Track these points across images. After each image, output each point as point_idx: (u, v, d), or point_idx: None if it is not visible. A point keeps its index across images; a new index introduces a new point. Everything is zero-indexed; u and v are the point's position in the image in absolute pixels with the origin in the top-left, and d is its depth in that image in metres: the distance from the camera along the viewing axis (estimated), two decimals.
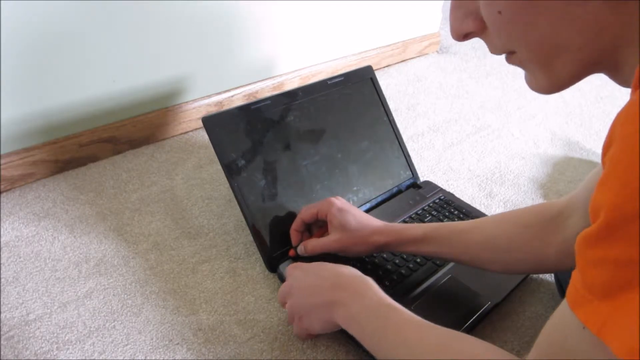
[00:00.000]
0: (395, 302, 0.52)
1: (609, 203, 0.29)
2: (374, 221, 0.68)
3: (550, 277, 0.75)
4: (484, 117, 1.20)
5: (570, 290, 0.33)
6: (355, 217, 0.67)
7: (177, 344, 0.61)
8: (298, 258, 0.70)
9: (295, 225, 0.72)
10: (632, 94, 0.32)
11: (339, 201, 0.68)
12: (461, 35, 0.41)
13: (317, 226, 0.72)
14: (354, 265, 0.60)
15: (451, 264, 0.72)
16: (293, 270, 0.61)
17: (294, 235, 0.72)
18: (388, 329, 0.49)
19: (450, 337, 0.46)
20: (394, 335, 0.49)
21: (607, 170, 0.30)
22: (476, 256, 0.62)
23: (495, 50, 0.41)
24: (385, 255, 0.72)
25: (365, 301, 0.53)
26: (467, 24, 0.40)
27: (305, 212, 0.70)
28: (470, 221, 0.64)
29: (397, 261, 0.71)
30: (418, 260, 0.72)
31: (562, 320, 0.36)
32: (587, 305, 0.31)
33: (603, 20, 0.34)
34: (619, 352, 0.28)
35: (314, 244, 0.68)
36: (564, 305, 0.35)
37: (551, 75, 0.39)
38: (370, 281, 0.55)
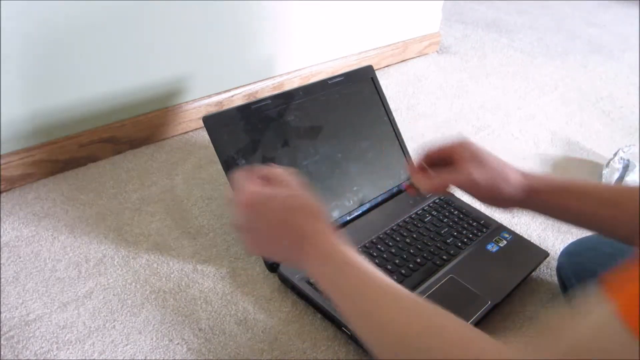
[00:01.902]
0: (357, 256, 0.47)
1: None
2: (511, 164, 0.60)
3: (550, 277, 0.75)
4: (484, 117, 1.20)
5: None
6: (492, 154, 0.60)
7: (177, 344, 0.61)
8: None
9: (418, 160, 0.64)
10: None
11: (470, 141, 0.61)
12: None
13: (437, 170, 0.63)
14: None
15: (451, 264, 0.72)
16: (247, 210, 0.50)
17: (412, 168, 0.64)
18: (354, 292, 0.45)
19: (434, 313, 0.42)
20: (359, 297, 0.44)
21: None
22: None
23: None
24: (385, 256, 0.72)
25: (329, 261, 0.46)
26: None
27: (432, 148, 0.62)
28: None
29: (397, 261, 0.71)
30: (418, 260, 0.72)
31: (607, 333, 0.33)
32: None
33: None
34: None
35: (443, 179, 0.60)
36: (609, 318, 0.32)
37: None
38: (328, 230, 0.48)
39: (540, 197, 0.59)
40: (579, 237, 0.75)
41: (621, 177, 0.96)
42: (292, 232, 0.48)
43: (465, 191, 0.61)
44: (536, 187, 0.58)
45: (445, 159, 0.61)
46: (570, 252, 0.70)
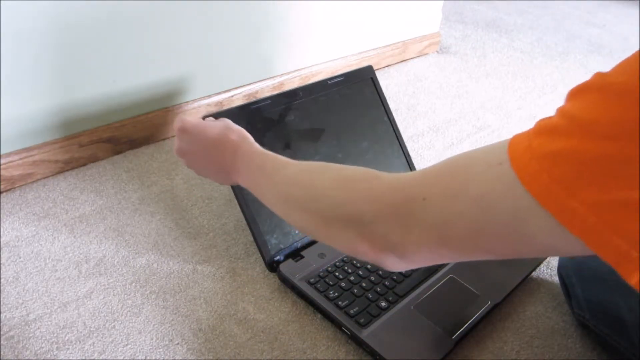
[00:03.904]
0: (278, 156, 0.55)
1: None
2: None
3: (550, 277, 0.75)
4: (484, 117, 1.20)
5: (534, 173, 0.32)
6: None
7: (177, 344, 0.61)
8: None
9: None
10: None
11: None
12: None
13: None
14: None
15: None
16: (184, 135, 0.62)
17: None
18: (268, 181, 0.53)
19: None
20: (275, 180, 0.52)
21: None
22: None
23: None
24: None
25: (251, 167, 0.56)
26: None
27: None
28: None
29: None
30: None
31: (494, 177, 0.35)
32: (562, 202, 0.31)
33: None
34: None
35: None
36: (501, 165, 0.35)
37: None
38: (247, 141, 0.58)
39: None
40: None
41: None
42: (226, 149, 0.58)
43: None
44: None
45: None
46: None
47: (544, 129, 0.34)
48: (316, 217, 0.46)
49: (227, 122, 0.62)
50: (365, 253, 0.43)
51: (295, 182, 0.50)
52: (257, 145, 0.58)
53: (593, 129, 0.30)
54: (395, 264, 0.42)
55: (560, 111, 0.34)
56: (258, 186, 0.55)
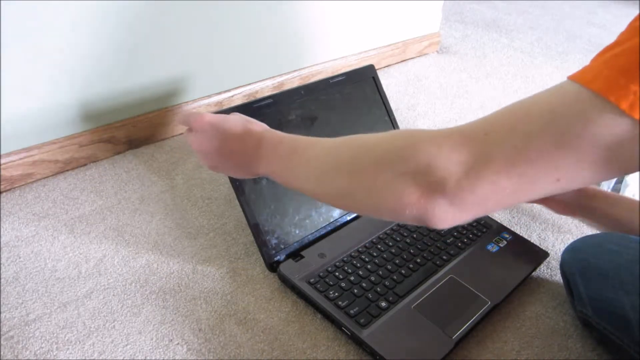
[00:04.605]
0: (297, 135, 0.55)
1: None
2: None
3: (550, 277, 0.75)
4: None
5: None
6: None
7: (177, 344, 0.61)
8: None
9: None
10: None
11: None
12: None
13: None
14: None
15: (451, 264, 0.72)
16: (201, 129, 0.59)
17: None
18: (301, 159, 0.53)
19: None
20: (306, 162, 0.52)
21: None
22: None
23: None
24: (385, 256, 0.72)
25: (279, 151, 0.55)
26: None
27: None
28: None
29: (397, 261, 0.71)
30: (418, 260, 0.72)
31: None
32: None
33: None
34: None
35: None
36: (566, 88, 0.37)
37: None
38: (270, 130, 0.58)
39: (591, 205, 0.67)
40: (579, 236, 0.75)
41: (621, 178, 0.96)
42: (250, 140, 0.57)
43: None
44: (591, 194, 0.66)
45: None
46: (575, 249, 0.70)
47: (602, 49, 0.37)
48: (362, 174, 0.44)
49: (243, 115, 0.61)
50: (413, 204, 0.40)
51: (340, 145, 0.50)
52: (280, 132, 0.57)
53: None
54: (444, 213, 0.39)
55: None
56: (288, 168, 0.53)
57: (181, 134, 1.04)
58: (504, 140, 0.38)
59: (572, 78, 0.37)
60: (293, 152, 0.53)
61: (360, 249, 0.73)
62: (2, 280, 0.68)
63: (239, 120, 0.59)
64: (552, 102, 0.37)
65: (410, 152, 0.41)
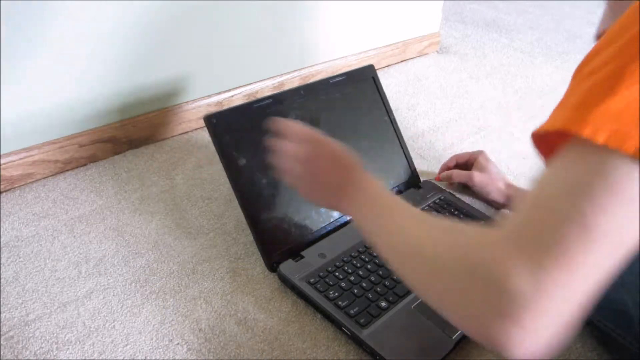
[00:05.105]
0: (395, 196, 0.53)
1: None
2: (506, 177, 0.88)
3: None
4: (484, 117, 1.20)
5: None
6: (495, 167, 0.89)
7: (177, 344, 0.61)
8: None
9: (448, 161, 0.94)
10: None
11: (487, 154, 0.90)
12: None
13: (459, 169, 0.91)
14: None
15: None
16: (306, 142, 0.59)
17: (443, 167, 0.94)
18: (390, 224, 0.49)
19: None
20: (396, 229, 0.48)
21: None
22: None
23: None
24: None
25: (369, 199, 0.53)
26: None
27: (460, 154, 0.93)
28: None
29: None
30: None
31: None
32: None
33: None
34: None
35: (458, 173, 0.90)
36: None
37: None
38: (368, 175, 0.56)
39: (510, 204, 0.85)
40: None
41: None
42: (340, 174, 0.56)
43: (469, 185, 0.89)
44: (513, 196, 0.84)
45: (465, 163, 0.92)
46: None
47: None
48: (438, 278, 0.41)
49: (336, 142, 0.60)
50: (483, 327, 0.35)
51: (424, 233, 0.45)
52: (368, 175, 0.56)
53: None
54: (519, 339, 0.33)
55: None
56: (370, 225, 0.51)
57: (181, 133, 1.04)
58: (554, 234, 0.34)
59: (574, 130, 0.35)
60: (378, 213, 0.51)
61: (360, 249, 0.73)
62: (2, 280, 0.68)
63: (335, 143, 0.59)
64: (569, 176, 0.35)
65: (482, 273, 0.36)
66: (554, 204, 0.35)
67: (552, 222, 0.34)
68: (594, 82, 0.36)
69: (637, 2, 0.38)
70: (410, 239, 0.45)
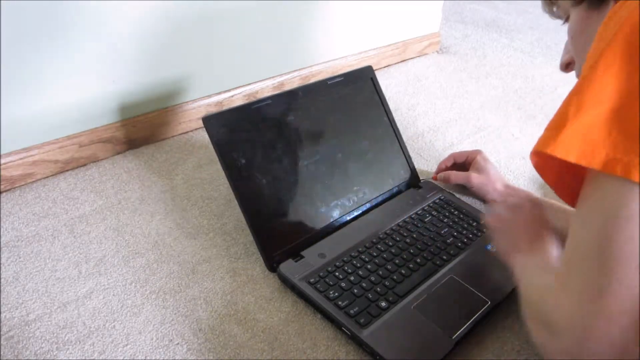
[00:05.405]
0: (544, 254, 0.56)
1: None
2: (504, 178, 0.89)
3: None
4: (484, 117, 1.20)
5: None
6: (493, 167, 0.88)
7: (177, 344, 0.61)
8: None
9: (446, 160, 0.92)
10: None
11: (484, 154, 0.89)
12: (563, 65, 0.64)
13: (455, 169, 0.92)
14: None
15: (451, 264, 0.72)
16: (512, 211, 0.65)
17: (440, 167, 0.93)
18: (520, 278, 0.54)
19: None
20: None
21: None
22: None
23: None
24: (385, 255, 0.72)
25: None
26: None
27: (458, 154, 0.92)
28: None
29: (397, 261, 0.71)
30: (418, 260, 0.72)
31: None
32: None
33: None
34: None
35: (455, 175, 0.89)
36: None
37: None
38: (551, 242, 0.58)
39: None
40: None
41: None
42: (533, 234, 0.59)
43: (467, 186, 0.89)
44: (509, 196, 0.82)
45: (463, 162, 0.92)
46: None
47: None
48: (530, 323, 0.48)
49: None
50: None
51: (529, 287, 0.51)
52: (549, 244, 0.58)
53: None
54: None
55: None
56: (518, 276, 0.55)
57: (181, 133, 1.04)
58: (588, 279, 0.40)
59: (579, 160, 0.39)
60: (521, 268, 0.56)
61: (360, 249, 0.73)
62: (2, 280, 0.68)
63: (528, 216, 0.62)
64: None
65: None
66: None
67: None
68: (565, 103, 0.42)
69: (600, 29, 0.43)
70: (522, 286, 0.52)
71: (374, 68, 0.91)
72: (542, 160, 0.45)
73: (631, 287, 0.37)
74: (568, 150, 0.40)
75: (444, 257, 0.73)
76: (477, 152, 0.90)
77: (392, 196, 0.85)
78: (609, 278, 0.37)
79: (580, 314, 0.38)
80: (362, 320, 0.62)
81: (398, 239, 0.76)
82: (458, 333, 0.62)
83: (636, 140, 0.37)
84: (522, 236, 0.60)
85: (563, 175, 0.46)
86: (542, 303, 0.44)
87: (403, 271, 0.70)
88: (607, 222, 0.38)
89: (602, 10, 0.50)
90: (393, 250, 0.73)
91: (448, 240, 0.76)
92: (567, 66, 0.62)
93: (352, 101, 0.86)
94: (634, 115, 0.38)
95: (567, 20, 0.60)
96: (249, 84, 1.12)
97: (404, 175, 0.89)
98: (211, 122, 0.71)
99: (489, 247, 0.76)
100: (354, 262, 0.71)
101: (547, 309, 0.43)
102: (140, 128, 0.98)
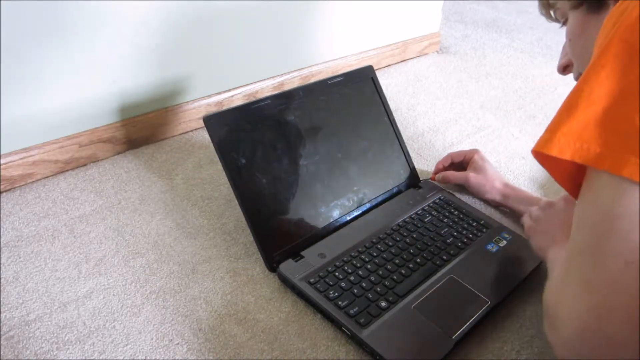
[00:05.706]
0: None
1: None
2: (502, 176, 0.89)
3: None
4: (484, 117, 1.20)
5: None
6: (492, 166, 0.88)
7: (177, 344, 0.61)
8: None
9: (443, 160, 0.92)
10: None
11: (482, 153, 0.90)
12: (560, 67, 0.64)
13: (453, 168, 0.92)
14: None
15: (451, 264, 0.72)
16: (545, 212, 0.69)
17: (438, 167, 0.93)
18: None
19: None
20: None
21: None
22: None
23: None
24: (385, 255, 0.72)
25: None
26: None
27: (455, 153, 0.92)
28: None
29: (397, 261, 0.71)
30: (418, 260, 0.72)
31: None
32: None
33: None
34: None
35: (454, 175, 0.89)
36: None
37: None
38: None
39: (507, 203, 0.86)
40: None
41: None
42: (568, 229, 0.61)
43: (465, 186, 0.90)
44: (508, 195, 0.85)
45: (461, 162, 0.92)
46: None
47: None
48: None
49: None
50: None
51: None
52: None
53: None
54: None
55: None
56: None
57: (181, 133, 1.04)
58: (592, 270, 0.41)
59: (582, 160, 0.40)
60: (551, 260, 0.59)
61: (360, 249, 0.73)
62: (2, 280, 0.68)
63: (560, 216, 0.65)
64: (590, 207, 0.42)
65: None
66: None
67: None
68: (564, 103, 0.43)
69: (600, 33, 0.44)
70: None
71: (374, 68, 0.91)
72: (546, 159, 0.46)
73: (623, 283, 0.38)
74: (563, 149, 0.41)
75: (444, 257, 0.73)
76: (475, 151, 0.90)
77: (392, 196, 0.85)
78: (601, 274, 0.38)
79: (577, 309, 0.40)
80: (362, 320, 0.62)
81: (398, 239, 0.76)
82: (458, 333, 0.62)
83: (627, 137, 0.38)
84: (557, 231, 0.62)
85: (573, 175, 0.47)
86: (548, 296, 0.45)
87: (403, 271, 0.70)
88: (600, 218, 0.40)
89: (600, 14, 0.51)
90: (393, 250, 0.73)
91: (448, 240, 0.76)
92: (564, 69, 0.63)
93: (352, 101, 0.86)
94: (626, 113, 0.38)
95: (565, 23, 0.60)
96: (249, 84, 1.12)
97: (404, 175, 0.89)
98: (212, 121, 0.71)
99: (489, 246, 0.76)
100: (354, 262, 0.71)
101: (550, 302, 0.44)
102: (140, 128, 0.98)
